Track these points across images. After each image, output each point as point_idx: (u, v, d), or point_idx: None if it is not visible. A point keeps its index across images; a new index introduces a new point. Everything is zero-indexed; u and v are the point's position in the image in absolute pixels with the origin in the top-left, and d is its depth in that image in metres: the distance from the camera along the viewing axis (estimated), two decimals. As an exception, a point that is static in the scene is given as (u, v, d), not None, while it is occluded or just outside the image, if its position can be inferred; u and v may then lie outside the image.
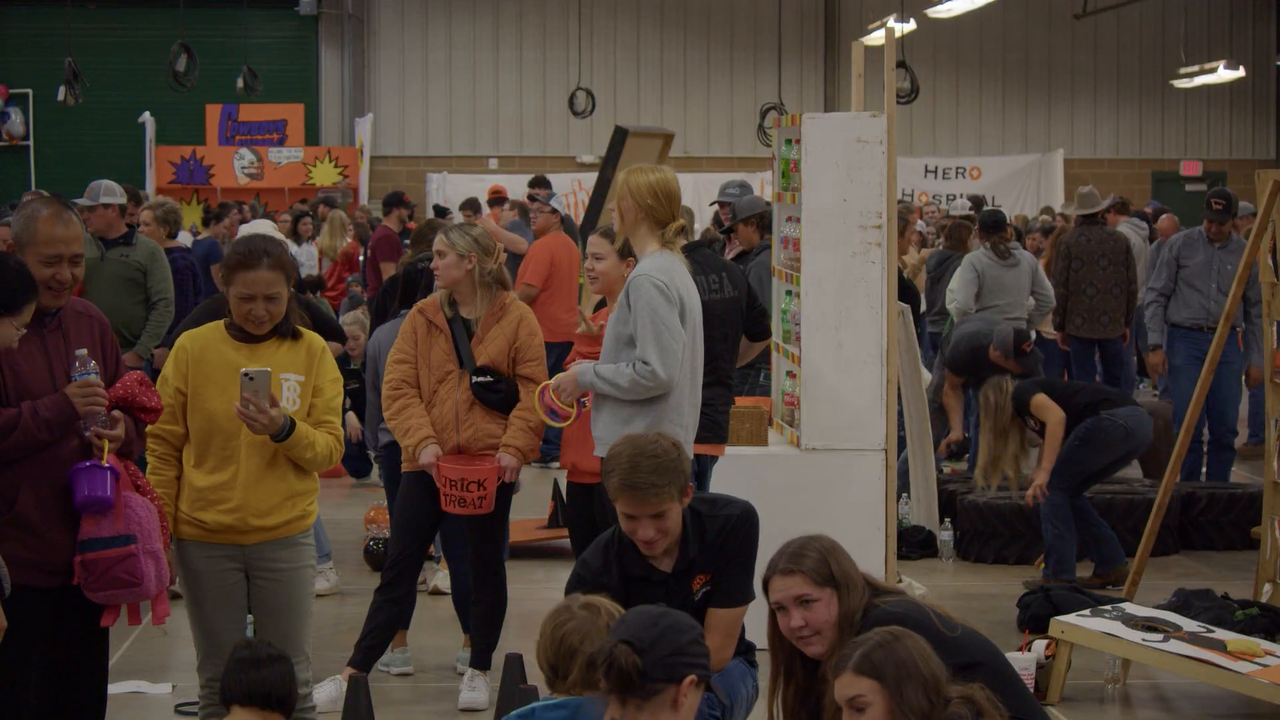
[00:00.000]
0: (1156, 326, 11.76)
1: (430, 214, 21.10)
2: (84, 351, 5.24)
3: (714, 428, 7.39)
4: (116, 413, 5.30)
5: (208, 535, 5.64)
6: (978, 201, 22.97)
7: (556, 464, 12.43)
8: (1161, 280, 11.79)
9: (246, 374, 5.43)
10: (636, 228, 6.62)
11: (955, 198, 25.72)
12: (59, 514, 5.22)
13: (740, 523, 5.32)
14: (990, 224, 12.52)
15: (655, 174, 6.64)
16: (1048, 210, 22.88)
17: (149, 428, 5.59)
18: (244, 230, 9.92)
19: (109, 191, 10.52)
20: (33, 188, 24.01)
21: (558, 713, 4.18)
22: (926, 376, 11.29)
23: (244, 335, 5.65)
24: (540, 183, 17.72)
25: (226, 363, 5.60)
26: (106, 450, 5.22)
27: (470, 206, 19.63)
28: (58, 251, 5.27)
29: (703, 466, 7.37)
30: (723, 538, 5.28)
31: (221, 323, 5.71)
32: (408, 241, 12.73)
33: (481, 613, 7.38)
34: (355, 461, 12.54)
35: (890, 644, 4.24)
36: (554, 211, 13.42)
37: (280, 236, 9.43)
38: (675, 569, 5.28)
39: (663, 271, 6.47)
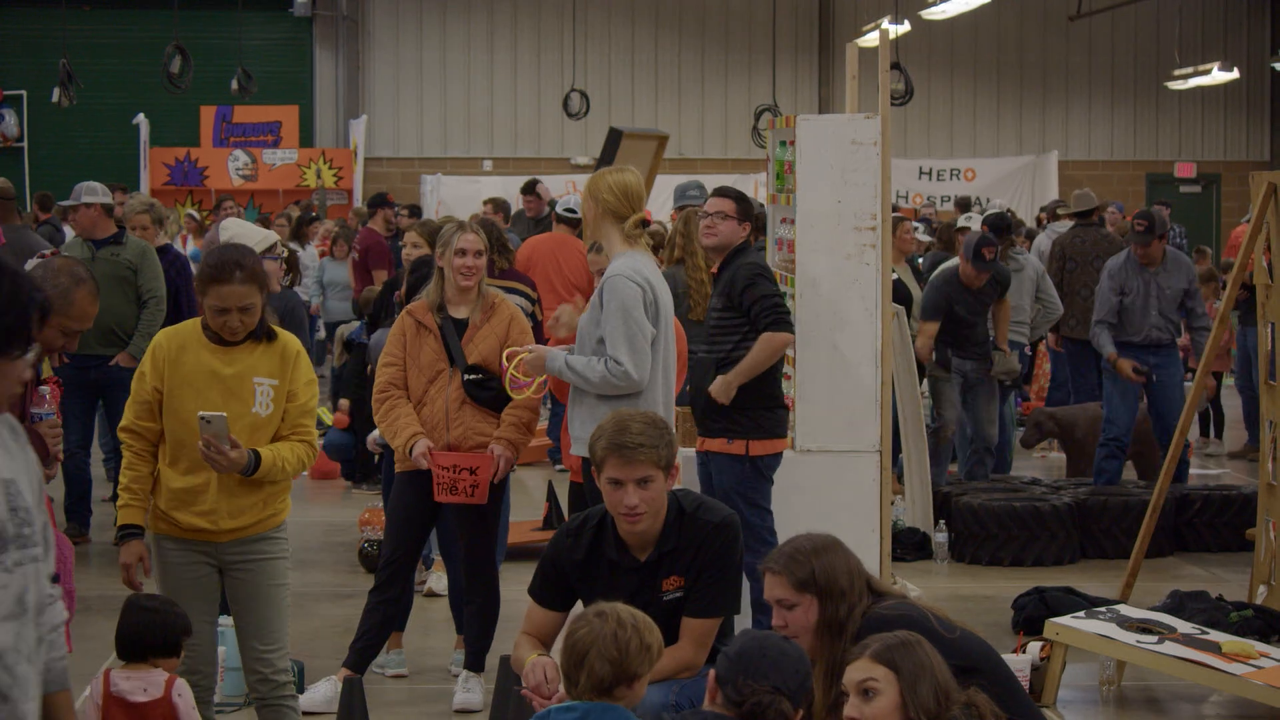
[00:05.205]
0: (1107, 341, 11.32)
1: (425, 216, 21.06)
2: (46, 389, 5.34)
3: (777, 424, 7.56)
4: (60, 454, 5.53)
5: (182, 533, 5.70)
6: (964, 203, 23.00)
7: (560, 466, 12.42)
8: (1104, 311, 11.39)
9: (204, 418, 5.47)
10: (600, 227, 6.74)
11: (949, 199, 25.76)
12: None
13: (718, 531, 5.29)
14: (995, 228, 12.42)
15: (615, 174, 6.78)
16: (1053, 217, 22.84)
17: (123, 423, 5.75)
18: (221, 232, 9.88)
19: (90, 191, 10.51)
20: (27, 189, 23.98)
21: (569, 715, 4.22)
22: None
23: (220, 338, 5.68)
24: (532, 188, 17.63)
25: (202, 366, 5.65)
26: None
27: (378, 203, 19.21)
28: (81, 328, 5.38)
29: (768, 464, 7.51)
30: (699, 541, 5.26)
31: (199, 321, 5.74)
32: (401, 242, 12.71)
33: (474, 614, 7.37)
34: (351, 464, 12.53)
35: (912, 644, 4.32)
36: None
37: (263, 235, 9.41)
38: (648, 559, 5.28)
39: (636, 271, 6.58)
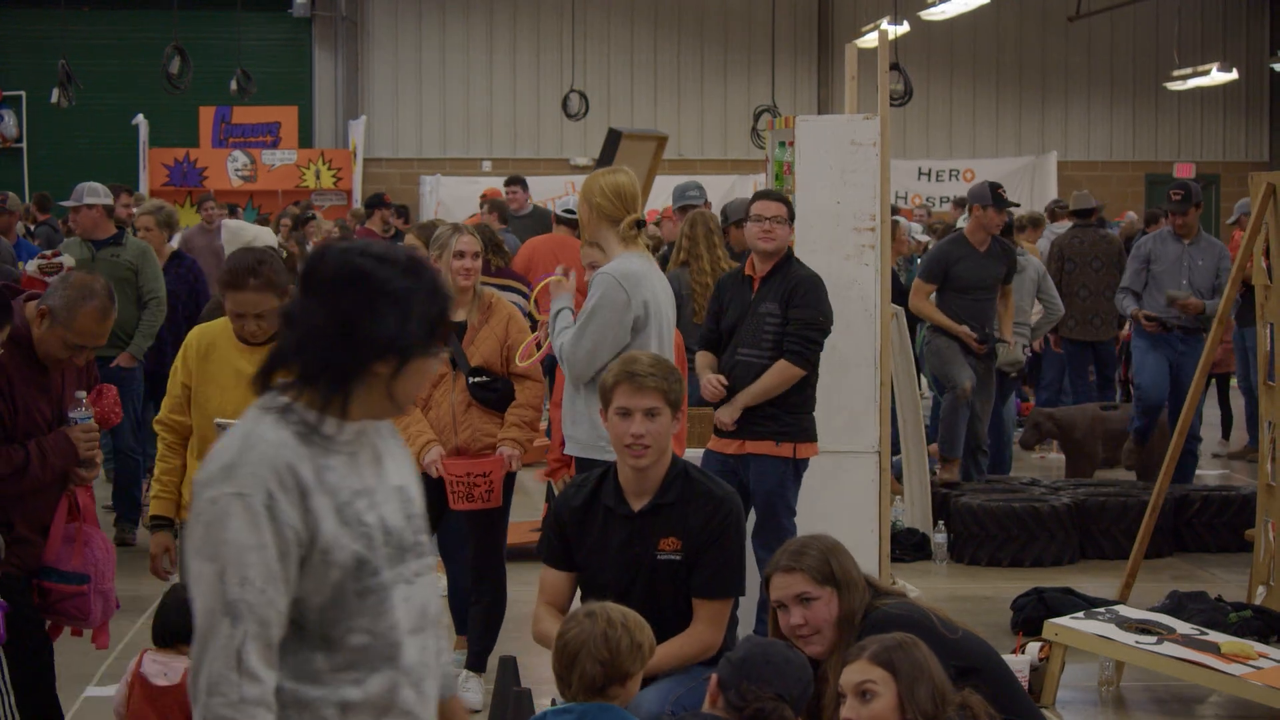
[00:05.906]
0: (1129, 304, 11.50)
1: (425, 217, 21.04)
2: (83, 394, 5.52)
3: (813, 427, 7.60)
4: (99, 456, 5.67)
5: None
6: (963, 204, 22.99)
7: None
8: (1127, 279, 11.59)
9: (219, 425, 5.57)
10: (597, 229, 6.75)
11: (948, 200, 25.77)
12: (40, 530, 5.59)
13: (721, 505, 5.34)
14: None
15: (607, 175, 6.80)
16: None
17: (158, 416, 5.97)
18: (226, 232, 9.89)
19: (92, 192, 10.54)
20: (26, 190, 23.97)
21: (565, 717, 4.24)
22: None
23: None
24: (515, 181, 17.58)
25: (229, 364, 5.79)
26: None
27: (374, 204, 19.23)
28: (84, 344, 5.51)
29: (805, 466, 7.56)
30: (698, 506, 5.31)
31: (229, 320, 5.89)
32: (401, 243, 12.67)
33: (480, 613, 7.36)
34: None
35: (908, 645, 4.32)
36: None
37: (269, 239, 9.41)
38: (642, 509, 5.31)
39: (627, 275, 6.56)
